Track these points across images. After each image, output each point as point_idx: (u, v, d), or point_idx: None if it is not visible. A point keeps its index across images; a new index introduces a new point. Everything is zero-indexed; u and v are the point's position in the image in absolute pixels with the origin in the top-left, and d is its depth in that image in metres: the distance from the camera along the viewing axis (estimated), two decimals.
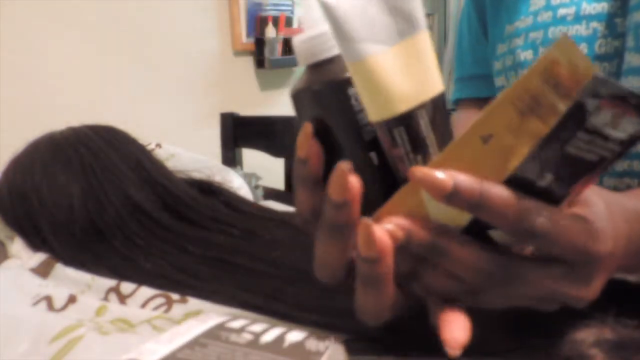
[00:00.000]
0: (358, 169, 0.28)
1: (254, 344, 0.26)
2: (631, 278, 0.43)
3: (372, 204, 0.29)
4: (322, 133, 0.30)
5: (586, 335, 0.35)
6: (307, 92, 0.31)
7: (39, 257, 0.52)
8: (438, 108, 0.29)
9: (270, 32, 1.96)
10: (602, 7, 0.53)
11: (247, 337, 0.27)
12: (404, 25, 0.28)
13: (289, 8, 2.03)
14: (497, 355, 0.34)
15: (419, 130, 0.28)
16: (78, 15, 1.51)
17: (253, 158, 1.19)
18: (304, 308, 0.42)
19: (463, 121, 0.71)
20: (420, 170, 0.26)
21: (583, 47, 0.54)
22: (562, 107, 0.23)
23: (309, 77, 0.31)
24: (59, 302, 0.46)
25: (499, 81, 0.64)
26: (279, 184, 1.07)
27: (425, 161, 0.29)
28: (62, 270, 0.50)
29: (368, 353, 0.36)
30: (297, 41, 0.31)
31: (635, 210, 0.33)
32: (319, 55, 0.30)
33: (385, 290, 0.28)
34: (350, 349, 0.30)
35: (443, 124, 0.29)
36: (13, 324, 0.41)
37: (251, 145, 1.14)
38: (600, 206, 0.29)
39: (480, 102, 0.71)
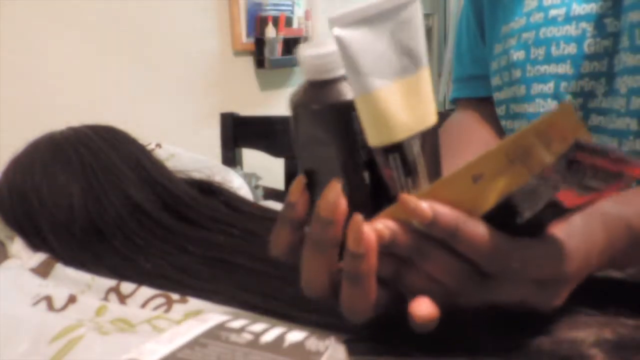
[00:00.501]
0: (351, 187, 0.32)
1: (254, 344, 0.26)
2: (628, 276, 0.43)
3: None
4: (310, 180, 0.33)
5: (586, 335, 0.35)
6: (309, 109, 0.32)
7: (39, 257, 0.52)
8: (430, 138, 0.32)
9: (270, 32, 1.96)
10: (591, 8, 0.54)
11: (247, 337, 0.27)
12: (408, 62, 0.31)
13: (289, 8, 2.03)
14: (494, 356, 0.34)
15: (411, 157, 0.31)
16: (78, 15, 1.51)
17: (253, 158, 1.19)
18: (304, 308, 0.42)
19: (461, 120, 0.71)
20: (408, 199, 0.29)
21: (573, 47, 0.54)
22: (549, 161, 0.27)
23: (312, 93, 0.32)
24: (59, 302, 0.46)
25: (494, 81, 0.64)
26: (279, 184, 1.07)
27: (415, 184, 0.31)
28: (62, 270, 0.50)
29: (368, 353, 0.36)
30: (305, 55, 0.32)
31: (618, 215, 0.36)
32: (326, 74, 0.32)
33: (368, 287, 0.30)
34: (350, 349, 0.30)
35: (433, 152, 0.32)
36: (13, 324, 0.41)
37: (251, 145, 1.14)
38: (576, 222, 0.32)
39: (477, 102, 0.71)
